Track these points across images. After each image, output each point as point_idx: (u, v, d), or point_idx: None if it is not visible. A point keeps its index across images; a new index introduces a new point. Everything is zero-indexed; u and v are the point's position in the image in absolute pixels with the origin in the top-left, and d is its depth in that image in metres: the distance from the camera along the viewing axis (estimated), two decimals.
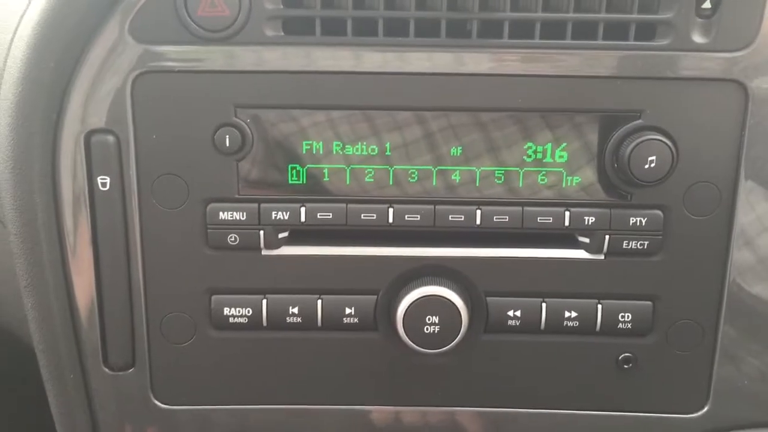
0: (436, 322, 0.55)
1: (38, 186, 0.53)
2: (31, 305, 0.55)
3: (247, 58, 0.52)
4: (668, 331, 0.57)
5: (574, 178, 0.55)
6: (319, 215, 0.55)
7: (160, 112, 0.53)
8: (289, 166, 0.55)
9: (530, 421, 0.60)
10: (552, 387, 0.59)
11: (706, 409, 0.59)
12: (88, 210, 0.54)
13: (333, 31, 0.51)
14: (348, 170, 0.55)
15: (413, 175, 0.55)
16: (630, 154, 0.52)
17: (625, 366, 0.58)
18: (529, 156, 0.55)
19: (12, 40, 0.52)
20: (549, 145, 0.55)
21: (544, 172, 0.55)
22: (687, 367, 0.58)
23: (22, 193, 0.53)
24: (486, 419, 0.60)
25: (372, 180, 0.55)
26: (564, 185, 0.55)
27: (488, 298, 0.57)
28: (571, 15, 0.51)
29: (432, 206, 0.55)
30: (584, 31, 0.52)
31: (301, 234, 0.56)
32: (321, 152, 0.55)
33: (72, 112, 0.52)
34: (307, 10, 0.51)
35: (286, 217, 0.55)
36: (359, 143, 0.55)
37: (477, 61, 0.53)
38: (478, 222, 0.55)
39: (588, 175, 0.55)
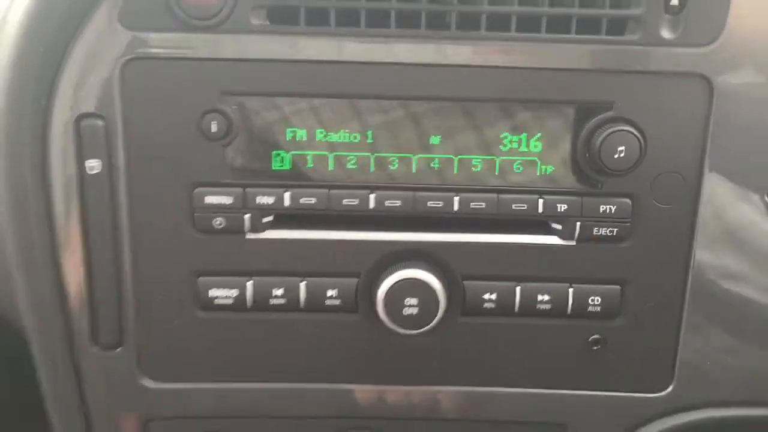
0: (415, 304, 0.58)
1: (29, 169, 0.54)
2: (22, 285, 0.57)
3: (233, 46, 0.53)
4: (636, 315, 0.60)
5: (548, 167, 0.58)
6: (302, 200, 0.57)
7: (149, 98, 0.54)
8: (274, 152, 0.57)
9: (506, 399, 0.62)
10: (526, 367, 0.62)
11: (670, 389, 0.62)
12: (78, 192, 0.55)
13: (317, 21, 0.53)
14: (331, 157, 0.57)
15: (394, 163, 0.57)
16: (601, 144, 0.55)
17: (595, 347, 0.61)
18: (505, 145, 0.57)
19: (1, 25, 0.53)
20: (524, 135, 0.57)
21: (519, 161, 0.58)
22: (652, 349, 0.61)
23: (14, 176, 0.54)
24: (464, 398, 0.62)
25: (354, 166, 0.57)
26: (538, 173, 0.58)
27: (465, 282, 0.59)
28: (546, 9, 0.53)
29: (412, 192, 0.57)
30: (558, 25, 0.54)
31: (285, 218, 0.58)
32: (305, 139, 0.57)
33: (61, 97, 0.53)
34: None
35: (271, 202, 0.57)
36: (342, 131, 0.57)
37: (456, 53, 0.55)
38: (456, 208, 0.57)
39: (561, 164, 0.57)
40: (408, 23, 0.54)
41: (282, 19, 0.53)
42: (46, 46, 0.51)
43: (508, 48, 0.54)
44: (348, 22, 0.53)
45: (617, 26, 0.54)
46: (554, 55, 0.54)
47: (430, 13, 0.53)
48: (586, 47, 0.54)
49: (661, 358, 0.61)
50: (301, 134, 0.57)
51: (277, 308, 0.59)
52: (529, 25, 0.54)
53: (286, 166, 0.57)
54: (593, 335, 0.61)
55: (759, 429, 0.70)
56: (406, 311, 0.58)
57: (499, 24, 0.54)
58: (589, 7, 0.54)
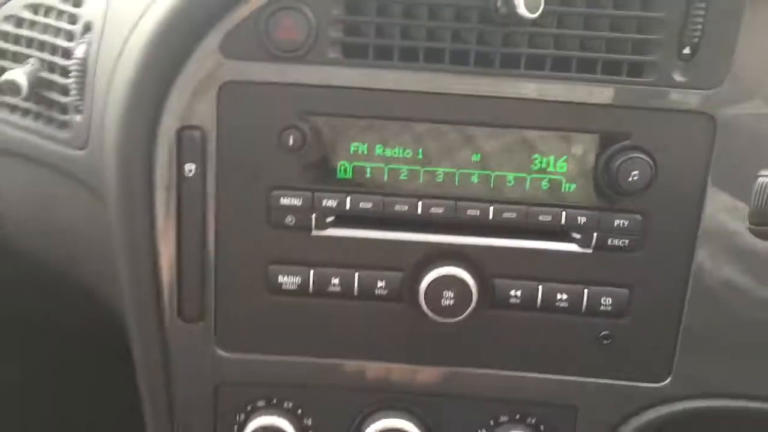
0: (451, 296, 0.68)
1: (138, 169, 0.65)
2: (124, 266, 0.68)
3: (311, 74, 0.63)
4: (641, 314, 0.70)
5: (572, 185, 0.67)
6: (361, 204, 0.67)
7: (238, 114, 0.65)
8: (339, 162, 0.67)
9: (527, 382, 0.72)
10: (545, 355, 0.72)
11: (668, 380, 0.72)
12: (176, 191, 0.66)
13: (383, 55, 0.63)
14: (386, 169, 0.67)
15: (440, 176, 0.68)
16: (618, 168, 0.65)
17: (604, 342, 0.71)
18: (535, 165, 0.67)
19: (122, 51, 0.64)
20: (552, 157, 0.67)
21: (547, 179, 0.67)
22: (654, 344, 0.71)
23: (125, 174, 0.65)
24: (491, 379, 0.72)
25: (406, 178, 0.68)
26: (562, 190, 0.67)
27: (495, 280, 0.69)
28: (576, 53, 0.63)
29: (454, 202, 0.67)
30: (586, 66, 0.64)
31: (345, 219, 0.68)
32: (366, 153, 0.67)
33: (169, 110, 0.64)
34: (362, 38, 0.63)
35: (334, 205, 0.67)
36: (397, 147, 0.67)
37: (497, 87, 0.65)
38: (491, 217, 0.67)
39: (583, 183, 0.67)
40: (458, 60, 0.64)
41: (355, 54, 0.63)
42: (161, 69, 0.62)
43: (542, 85, 0.64)
44: (409, 57, 0.64)
45: (636, 69, 0.63)
46: (582, 91, 0.64)
47: (477, 52, 0.63)
48: (610, 86, 0.64)
49: (661, 353, 0.71)
50: (363, 149, 0.67)
51: (334, 295, 0.69)
52: (561, 65, 0.64)
53: (349, 175, 0.67)
54: (603, 331, 0.70)
55: (756, 423, 0.80)
56: (444, 302, 0.68)
57: (536, 63, 0.64)
58: (614, 53, 0.63)
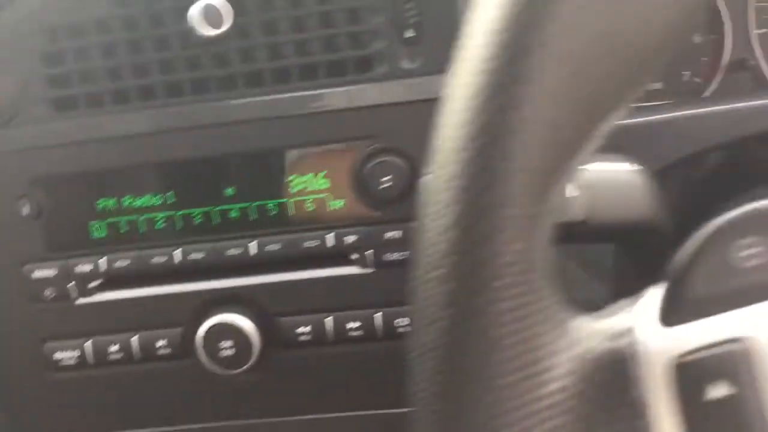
0: (230, 346, 0.62)
1: None
2: None
3: (27, 137, 0.60)
4: None
5: (338, 202, 0.61)
6: (117, 264, 0.62)
7: None
8: (90, 222, 0.63)
9: (338, 424, 0.65)
10: (355, 391, 0.64)
11: None
12: None
13: (96, 103, 0.59)
14: (141, 220, 0.63)
15: (197, 218, 0.62)
16: (369, 175, 0.58)
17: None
18: (294, 187, 0.61)
19: None
20: (310, 175, 0.61)
21: (310, 200, 0.61)
22: None
23: None
24: (299, 427, 0.65)
25: (163, 225, 0.63)
26: (329, 209, 0.61)
27: (278, 319, 0.63)
28: (294, 60, 0.58)
29: (212, 244, 0.62)
30: (309, 73, 0.58)
31: (113, 281, 0.64)
32: (115, 207, 0.62)
33: None
34: (67, 89, 0.59)
35: (89, 269, 0.62)
36: (146, 195, 0.62)
37: (239, 110, 0.59)
38: (253, 252, 0.61)
39: (349, 198, 0.61)
40: (173, 93, 0.59)
41: (65, 107, 0.60)
42: None
43: (275, 100, 0.59)
44: (121, 100, 0.59)
45: (364, 65, 0.57)
46: (315, 99, 0.58)
47: (193, 80, 0.58)
48: (341, 89, 0.58)
49: None
50: (110, 203, 0.62)
51: (117, 362, 0.64)
52: (280, 76, 0.58)
53: (104, 234, 0.63)
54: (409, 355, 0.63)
55: None
56: (223, 353, 0.62)
57: (253, 81, 0.59)
58: (335, 52, 0.57)
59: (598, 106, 0.29)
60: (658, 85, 0.61)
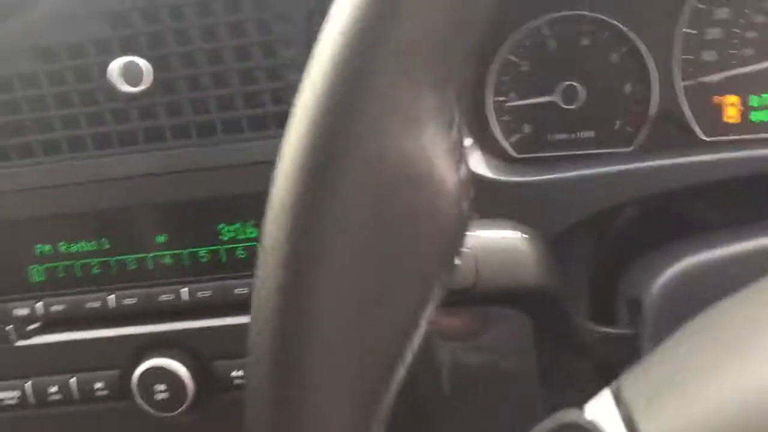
0: (164, 389, 0.63)
1: None
2: None
3: None
4: None
5: None
6: (53, 308, 0.64)
7: None
8: (29, 267, 0.64)
9: None
10: None
11: None
12: None
13: (27, 154, 0.60)
14: (77, 265, 0.64)
15: (131, 264, 0.63)
16: None
17: None
18: (224, 234, 0.62)
19: None
20: (240, 223, 0.62)
21: (242, 247, 0.62)
22: None
23: None
24: None
25: (98, 271, 0.64)
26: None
27: (213, 363, 0.64)
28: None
29: (145, 290, 0.63)
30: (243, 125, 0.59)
31: (50, 324, 0.65)
32: (51, 252, 0.64)
33: None
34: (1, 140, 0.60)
35: (26, 313, 0.64)
36: (82, 241, 0.63)
37: (168, 160, 0.61)
38: (185, 299, 0.62)
39: None
40: (104, 144, 0.60)
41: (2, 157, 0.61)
42: None
43: (202, 151, 0.60)
44: (54, 150, 0.60)
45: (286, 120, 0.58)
46: (237, 153, 0.59)
47: (119, 132, 0.59)
48: (264, 142, 0.59)
49: None
50: (47, 249, 0.64)
51: (57, 403, 0.65)
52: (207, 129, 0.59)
53: (42, 278, 0.64)
54: None
55: None
56: (158, 396, 0.63)
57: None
58: (255, 107, 0.58)
59: None
60: (590, 134, 0.61)
